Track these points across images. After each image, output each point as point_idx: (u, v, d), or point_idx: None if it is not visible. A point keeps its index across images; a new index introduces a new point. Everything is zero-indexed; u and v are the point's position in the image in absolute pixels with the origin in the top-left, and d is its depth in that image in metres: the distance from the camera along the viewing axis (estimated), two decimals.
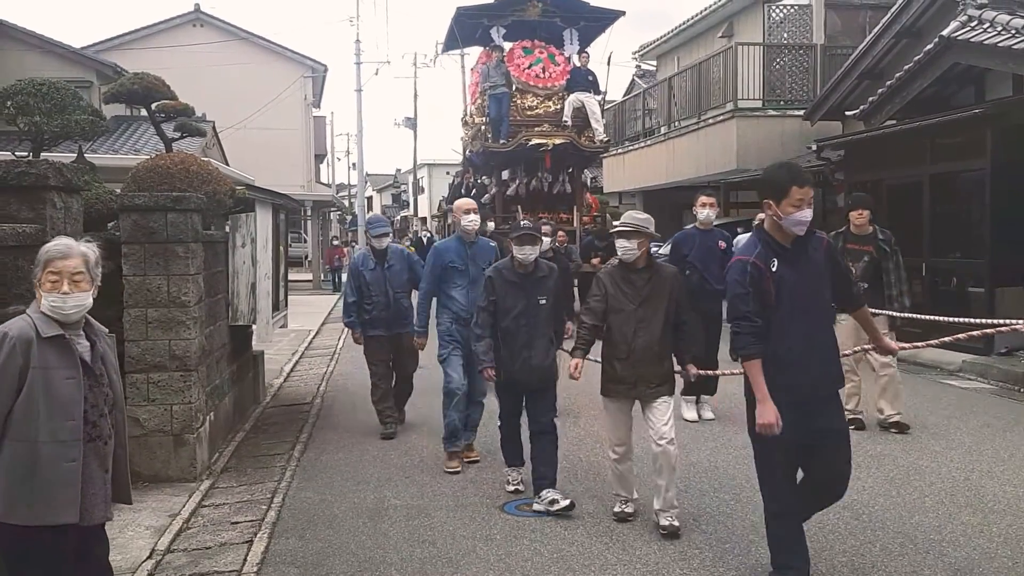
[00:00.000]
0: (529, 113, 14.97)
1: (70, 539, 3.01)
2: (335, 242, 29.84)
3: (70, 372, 2.95)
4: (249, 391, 8.14)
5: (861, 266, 6.63)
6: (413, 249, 17.83)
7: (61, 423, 2.92)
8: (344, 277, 21.17)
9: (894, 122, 11.87)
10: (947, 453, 6.18)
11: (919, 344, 5.71)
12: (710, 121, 16.39)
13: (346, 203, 47.13)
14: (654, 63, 24.46)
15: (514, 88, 14.83)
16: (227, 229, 7.15)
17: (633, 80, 27.21)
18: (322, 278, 26.25)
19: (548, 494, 5.06)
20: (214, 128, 19.55)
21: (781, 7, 16.99)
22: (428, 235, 28.14)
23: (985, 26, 9.89)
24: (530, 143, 14.64)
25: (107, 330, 3.29)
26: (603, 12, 15.58)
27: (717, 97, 16.47)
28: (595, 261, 12.20)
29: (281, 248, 8.56)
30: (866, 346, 6.17)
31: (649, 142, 19.77)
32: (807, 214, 3.66)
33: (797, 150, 14.49)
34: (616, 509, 4.93)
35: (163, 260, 5.68)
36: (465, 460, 6.08)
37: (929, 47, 10.64)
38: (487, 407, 6.33)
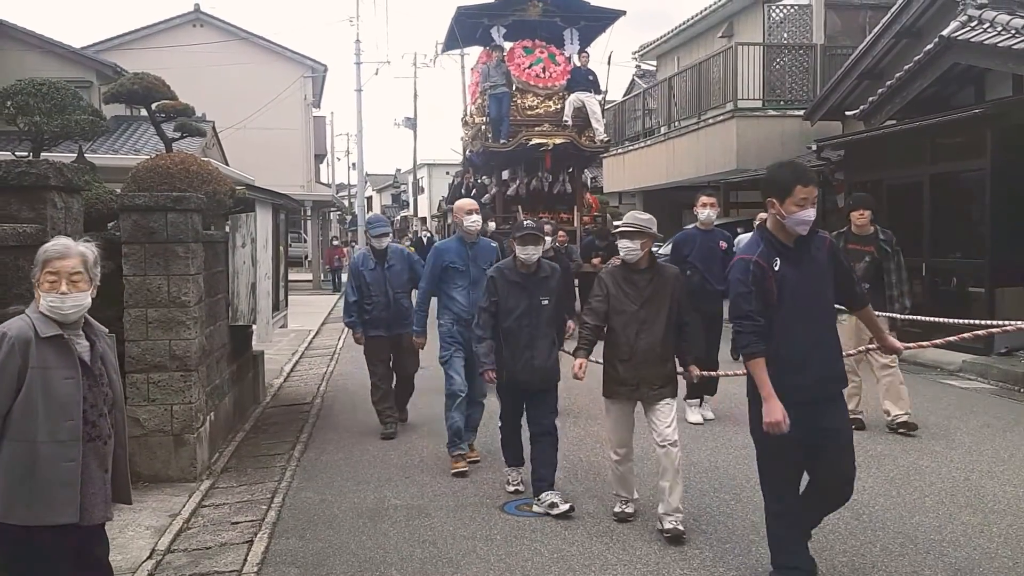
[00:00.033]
0: (529, 113, 14.95)
1: (70, 539, 3.01)
2: (335, 242, 29.85)
3: (69, 372, 2.95)
4: (249, 391, 8.14)
5: (862, 266, 6.61)
6: (413, 249, 17.81)
7: (60, 423, 2.92)
8: (344, 277, 21.21)
9: (894, 122, 11.87)
10: (947, 453, 6.18)
11: (924, 344, 5.69)
12: (710, 121, 16.39)
13: (346, 203, 47.14)
14: (654, 63, 24.47)
15: (514, 88, 14.81)
16: (227, 229, 7.15)
17: (633, 80, 27.21)
18: (322, 278, 26.26)
19: (547, 497, 5.05)
20: (214, 128, 19.56)
21: (781, 7, 17.00)
22: (428, 235, 28.15)
23: (985, 26, 9.89)
24: (530, 143, 14.63)
25: (107, 330, 3.29)
26: (603, 12, 15.57)
27: (717, 97, 16.47)
28: (595, 261, 12.19)
29: (281, 248, 8.57)
30: (869, 346, 6.19)
31: (649, 142, 19.77)
32: (810, 213, 3.64)
33: (797, 150, 14.49)
34: (616, 509, 4.92)
35: (163, 260, 5.68)
36: (466, 460, 6.07)
37: (929, 47, 10.64)
38: (487, 407, 6.34)
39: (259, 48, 27.84)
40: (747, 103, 15.60)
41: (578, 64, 15.07)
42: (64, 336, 2.97)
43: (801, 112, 14.85)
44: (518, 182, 15.77)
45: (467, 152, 17.63)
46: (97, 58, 20.24)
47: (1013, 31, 9.42)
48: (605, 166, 22.14)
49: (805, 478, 3.88)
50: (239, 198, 7.03)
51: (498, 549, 4.52)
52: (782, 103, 15.83)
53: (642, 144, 20.20)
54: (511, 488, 5.43)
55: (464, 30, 15.97)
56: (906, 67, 11.26)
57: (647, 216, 4.82)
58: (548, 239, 7.89)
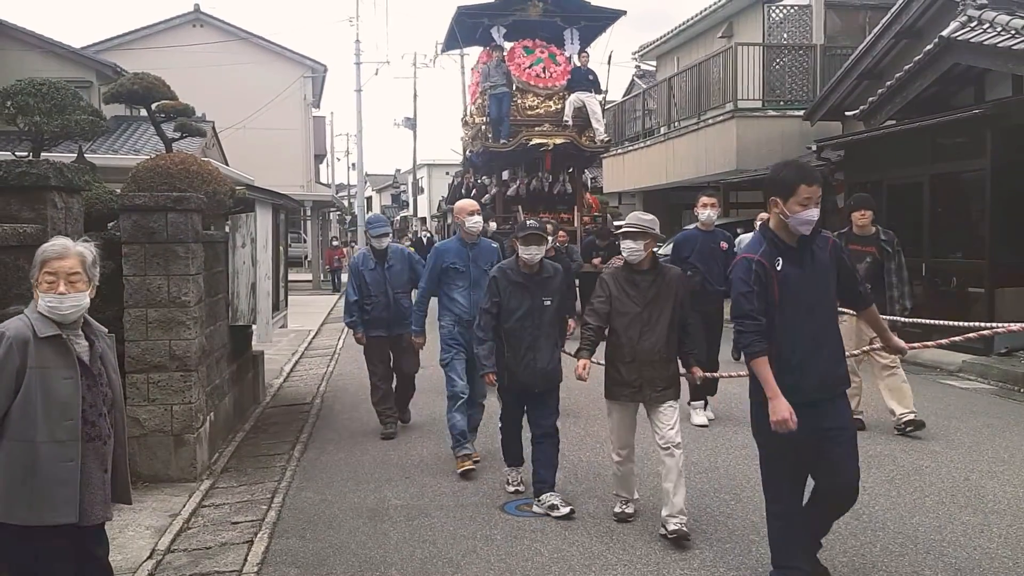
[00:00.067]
0: (530, 113, 14.95)
1: (70, 539, 3.01)
2: (335, 243, 29.84)
3: (68, 372, 2.95)
4: (249, 391, 8.15)
5: (863, 267, 6.58)
6: (413, 249, 17.82)
7: (59, 423, 2.92)
8: (343, 278, 21.20)
9: (894, 122, 11.87)
10: (947, 453, 6.18)
11: (929, 343, 5.69)
12: (710, 121, 16.40)
13: (346, 203, 47.14)
14: (654, 63, 24.47)
15: (515, 88, 14.81)
16: (227, 229, 7.15)
17: (633, 80, 27.22)
18: (321, 278, 26.26)
19: (548, 498, 5.04)
20: (214, 128, 19.56)
21: (781, 7, 17.00)
22: (428, 235, 28.13)
23: (985, 26, 9.90)
24: (531, 143, 14.63)
25: (106, 330, 3.29)
26: (604, 12, 15.57)
27: (717, 97, 16.47)
28: (596, 261, 12.19)
29: (281, 248, 8.57)
30: (871, 346, 6.18)
31: (649, 142, 19.78)
32: (814, 213, 3.61)
33: (797, 150, 14.49)
34: (616, 510, 4.92)
35: (163, 260, 5.67)
36: (472, 460, 6.03)
37: (929, 47, 10.65)
38: (487, 408, 6.34)
39: (259, 48, 27.85)
40: (747, 103, 15.61)
41: (578, 64, 15.08)
42: (63, 336, 2.97)
43: (801, 112, 14.85)
44: (518, 182, 15.78)
45: (467, 152, 17.63)
46: (97, 58, 20.24)
47: (1013, 31, 9.42)
48: (605, 166, 22.14)
49: (810, 484, 3.85)
50: (239, 198, 7.03)
51: (498, 549, 4.52)
52: (782, 103, 15.84)
53: (642, 144, 20.20)
54: (511, 488, 5.42)
55: (464, 30, 15.97)
56: (906, 67, 11.27)
57: (650, 217, 4.79)
58: (549, 239, 7.87)
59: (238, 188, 7.30)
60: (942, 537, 4.56)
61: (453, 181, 23.30)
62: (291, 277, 11.34)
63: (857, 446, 3.80)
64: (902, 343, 4.25)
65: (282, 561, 4.45)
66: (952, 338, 5.31)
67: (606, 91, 15.73)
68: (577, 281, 11.54)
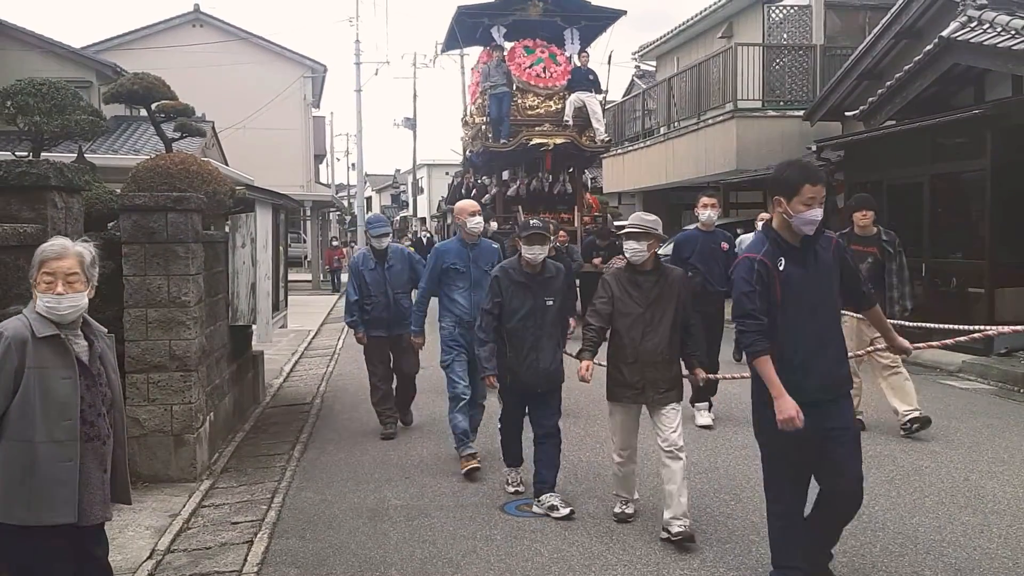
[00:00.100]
0: (530, 113, 14.95)
1: (69, 539, 3.01)
2: (334, 243, 29.82)
3: (66, 372, 2.95)
4: (249, 391, 8.14)
5: (865, 267, 6.54)
6: (413, 249, 17.82)
7: (57, 423, 2.92)
8: (343, 278, 21.18)
9: (894, 122, 11.87)
10: (947, 453, 6.18)
11: (934, 343, 5.67)
12: (709, 122, 16.39)
13: (345, 203, 47.13)
14: (654, 63, 24.47)
15: (515, 87, 14.81)
16: (227, 229, 7.15)
17: (633, 81, 27.22)
18: (321, 279, 26.26)
19: (548, 499, 5.04)
20: (213, 128, 19.56)
21: (781, 8, 17.00)
22: (428, 235, 28.13)
23: (985, 27, 9.90)
24: (531, 143, 14.62)
25: (106, 330, 3.29)
26: (604, 12, 15.57)
27: (717, 98, 16.47)
28: (596, 261, 12.19)
29: (281, 248, 8.56)
30: (873, 347, 6.17)
31: (649, 143, 19.77)
32: (818, 213, 3.60)
33: (797, 151, 14.48)
34: (616, 510, 4.92)
35: (163, 260, 5.67)
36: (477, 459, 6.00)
37: (929, 48, 10.65)
38: (487, 408, 6.34)
39: (259, 48, 27.85)
40: (747, 104, 15.60)
41: (578, 64, 15.08)
42: (61, 336, 2.97)
43: (801, 113, 14.85)
44: (518, 182, 15.77)
45: (467, 152, 17.63)
46: (97, 58, 20.24)
47: (1013, 32, 9.43)
48: (605, 167, 22.14)
49: (814, 490, 3.84)
50: (239, 198, 7.03)
51: (498, 549, 4.52)
52: (782, 104, 15.84)
53: (642, 145, 20.20)
54: (511, 489, 5.42)
55: (464, 30, 15.97)
56: (906, 67, 11.27)
57: (653, 217, 4.76)
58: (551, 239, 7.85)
59: (238, 188, 7.30)
60: (942, 537, 4.57)
61: (453, 181, 23.30)
62: (291, 277, 11.34)
63: (860, 447, 3.78)
64: (906, 343, 4.22)
65: (282, 561, 4.45)
66: (957, 339, 5.29)
67: (606, 91, 15.73)
68: (577, 281, 11.53)
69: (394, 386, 7.24)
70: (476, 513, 5.09)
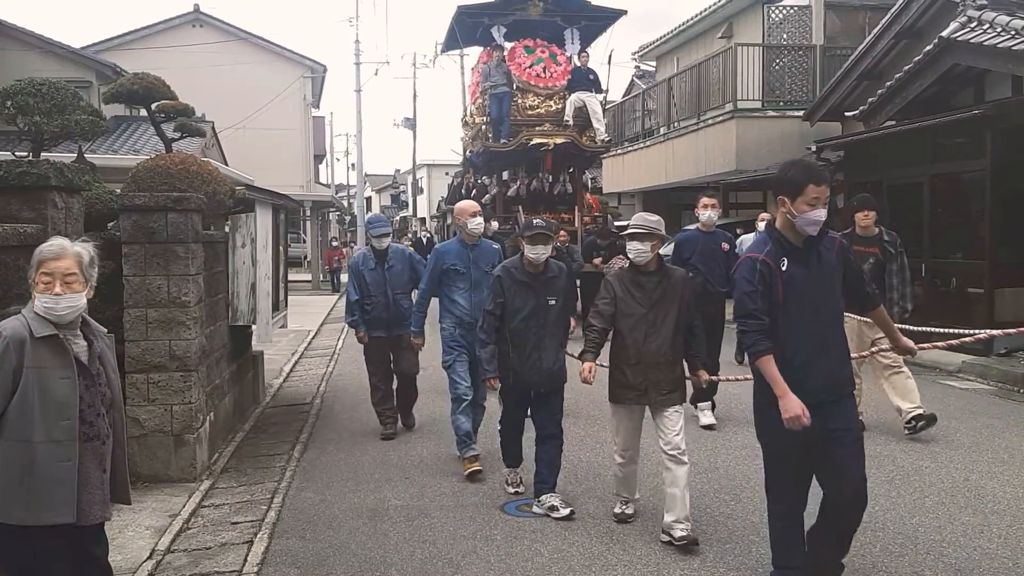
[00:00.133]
0: (530, 113, 14.95)
1: (68, 539, 3.01)
2: (334, 243, 29.82)
3: (65, 372, 2.95)
4: (249, 391, 8.14)
5: (866, 268, 6.53)
6: (413, 249, 17.83)
7: (56, 423, 2.92)
8: (343, 278, 21.17)
9: (893, 123, 11.88)
10: (947, 453, 6.18)
11: (939, 344, 5.65)
12: (709, 122, 16.40)
13: (345, 203, 47.13)
14: (653, 64, 24.48)
15: (515, 87, 14.81)
16: (227, 229, 7.15)
17: (632, 81, 27.22)
18: (321, 279, 26.26)
19: (548, 499, 5.03)
20: (213, 128, 19.56)
21: (780, 8, 17.01)
22: (427, 235, 28.13)
23: (985, 27, 9.90)
24: (531, 143, 14.61)
25: (106, 330, 3.29)
26: (604, 11, 15.57)
27: (716, 98, 16.48)
28: (597, 261, 12.18)
29: (281, 248, 8.56)
30: (874, 349, 6.16)
31: (648, 143, 19.78)
32: (821, 213, 3.58)
33: (797, 151, 14.49)
34: (616, 510, 4.91)
35: (163, 260, 5.67)
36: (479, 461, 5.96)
37: (929, 48, 10.65)
38: (487, 408, 6.34)
39: (259, 48, 27.85)
40: (746, 104, 15.61)
41: (578, 64, 15.08)
42: (59, 336, 2.97)
43: (801, 113, 14.86)
44: (519, 182, 15.76)
45: (467, 152, 17.63)
46: (97, 58, 20.24)
47: (1012, 32, 9.43)
48: (604, 167, 22.15)
49: (816, 495, 3.83)
50: (239, 198, 7.03)
51: (498, 549, 4.52)
52: (782, 104, 15.85)
53: (641, 145, 20.21)
54: (511, 489, 5.41)
55: (464, 30, 15.97)
56: (906, 68, 11.28)
57: (656, 217, 4.73)
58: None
59: (238, 188, 7.30)
60: (942, 537, 4.57)
61: (453, 181, 23.30)
62: (291, 277, 11.34)
63: (863, 448, 3.74)
64: (911, 343, 4.18)
65: (282, 561, 4.45)
66: (963, 339, 5.28)
67: (606, 91, 15.73)
68: (578, 281, 11.52)
69: (395, 387, 7.22)
70: (476, 513, 5.09)
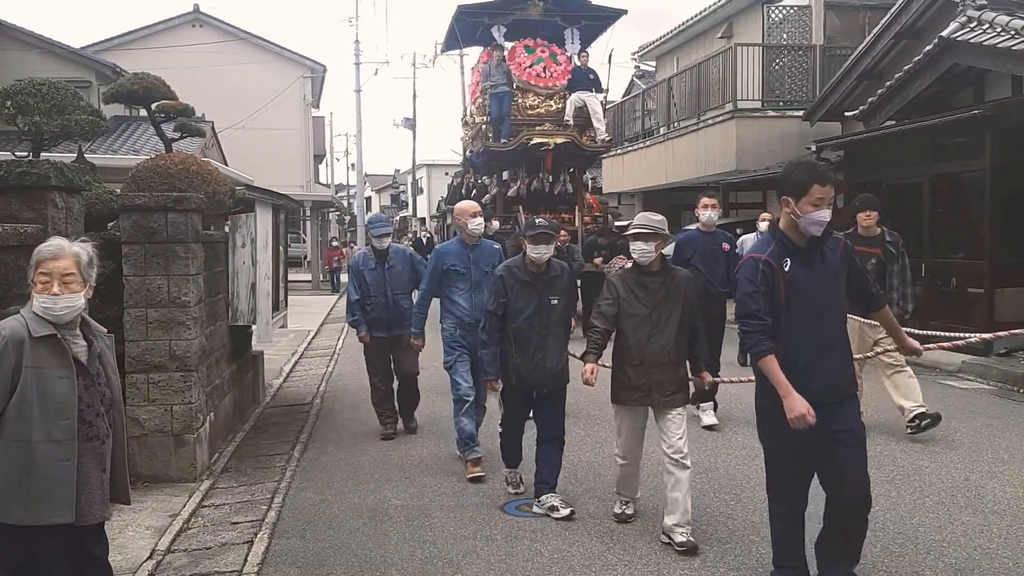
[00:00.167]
0: (530, 112, 14.94)
1: (67, 539, 3.01)
2: (334, 243, 29.82)
3: (63, 371, 2.95)
4: (249, 391, 8.14)
5: (868, 268, 6.53)
6: (413, 249, 17.83)
7: (55, 422, 2.92)
8: (343, 278, 21.17)
9: (893, 123, 11.88)
10: (947, 453, 6.18)
11: (945, 344, 5.65)
12: (709, 122, 16.40)
13: (345, 203, 47.13)
14: (653, 64, 24.48)
15: (515, 87, 14.80)
16: (227, 229, 7.15)
17: (632, 81, 27.22)
18: (321, 279, 26.26)
19: (548, 499, 5.03)
20: (213, 128, 19.56)
21: (780, 8, 17.01)
22: (427, 235, 28.14)
23: (984, 27, 9.91)
24: (531, 142, 14.61)
25: (106, 330, 3.29)
26: (604, 11, 15.56)
27: (716, 98, 16.48)
28: (597, 261, 12.18)
29: (281, 248, 8.56)
30: (875, 351, 6.14)
31: (648, 143, 19.78)
32: (826, 214, 3.56)
33: (796, 151, 14.49)
34: (616, 510, 4.91)
35: (163, 260, 5.67)
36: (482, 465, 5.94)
37: (928, 48, 10.66)
38: (487, 408, 6.33)
39: (258, 48, 27.84)
40: (746, 104, 15.62)
41: (578, 64, 15.08)
42: (58, 336, 2.96)
43: (800, 113, 14.86)
44: (519, 182, 15.76)
45: (467, 152, 17.62)
46: (96, 58, 20.24)
47: (1012, 32, 9.43)
48: (604, 167, 22.15)
49: (819, 494, 3.81)
50: (239, 198, 7.03)
51: (498, 549, 4.52)
52: (781, 104, 15.85)
53: (641, 145, 20.21)
54: (511, 489, 5.41)
55: (464, 29, 15.96)
56: (906, 68, 11.28)
57: (660, 217, 4.69)
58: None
59: (238, 188, 7.30)
60: (942, 537, 4.57)
61: (453, 181, 23.29)
62: (291, 277, 11.34)
63: (866, 450, 3.71)
64: (916, 344, 4.16)
65: (282, 561, 4.45)
66: (969, 340, 5.27)
67: (607, 91, 15.72)
68: (578, 281, 11.53)
69: (395, 388, 7.20)
70: (476, 513, 5.09)
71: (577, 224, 15.04)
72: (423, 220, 42.61)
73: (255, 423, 7.63)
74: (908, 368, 6.66)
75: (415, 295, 6.67)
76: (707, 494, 5.33)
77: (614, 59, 19.73)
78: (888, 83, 11.84)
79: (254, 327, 7.50)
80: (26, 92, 7.44)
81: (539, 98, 14.98)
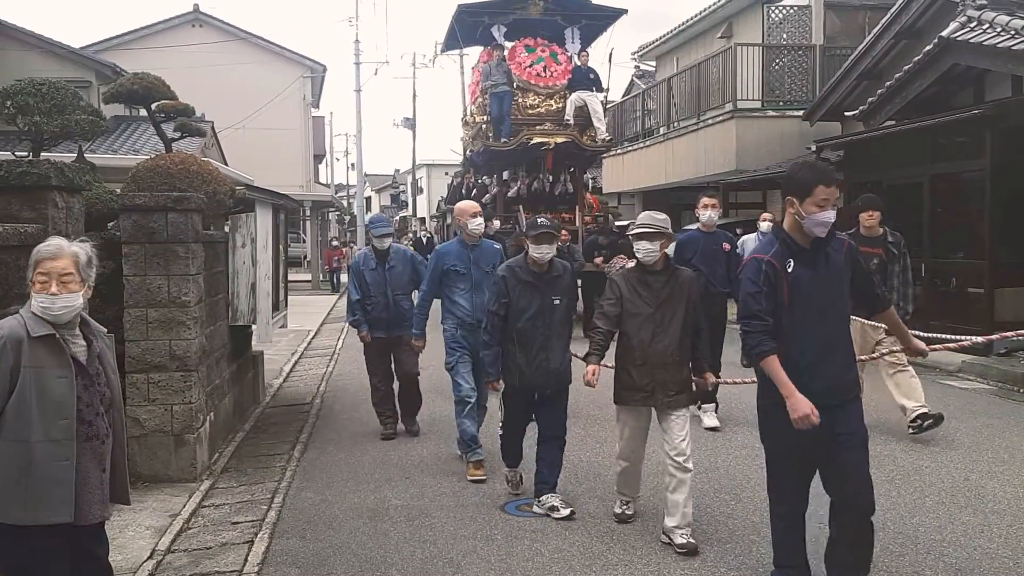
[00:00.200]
0: (531, 112, 14.94)
1: (67, 538, 3.01)
2: (334, 243, 29.82)
3: (62, 371, 2.95)
4: (249, 391, 8.14)
5: (871, 269, 6.50)
6: (413, 249, 17.83)
7: (54, 422, 2.92)
8: (343, 278, 21.17)
9: (893, 123, 11.88)
10: (947, 453, 6.18)
11: (951, 345, 5.63)
12: (709, 122, 16.41)
13: (345, 203, 47.14)
14: (653, 64, 24.49)
15: (515, 86, 14.80)
16: (227, 229, 7.15)
17: (632, 81, 27.23)
18: (321, 279, 26.26)
19: (548, 499, 5.02)
20: (213, 128, 19.55)
21: (780, 8, 17.02)
22: (427, 235, 28.15)
23: (984, 27, 9.91)
24: (532, 142, 14.59)
25: (106, 330, 3.28)
26: (604, 11, 15.56)
27: (716, 98, 16.49)
28: (598, 260, 12.18)
29: (281, 248, 8.56)
30: (883, 351, 6.13)
31: (648, 143, 19.79)
32: (830, 215, 3.55)
33: (796, 151, 14.51)
34: (617, 510, 4.91)
35: (163, 260, 5.67)
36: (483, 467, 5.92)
37: (928, 48, 10.66)
38: (487, 409, 6.33)
39: (258, 48, 27.84)
40: (746, 104, 15.62)
41: (579, 63, 15.07)
42: (56, 335, 2.96)
43: (800, 113, 14.86)
44: (519, 182, 15.75)
45: (467, 152, 17.61)
46: (96, 58, 20.24)
47: (1012, 32, 9.43)
48: (604, 167, 22.16)
49: (819, 494, 3.80)
50: (239, 198, 7.03)
51: (499, 549, 4.52)
52: (781, 104, 15.86)
53: (641, 145, 20.22)
54: (511, 489, 5.41)
55: (464, 29, 15.96)
56: (906, 68, 11.28)
57: (663, 216, 4.67)
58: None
59: (238, 188, 7.30)
60: (942, 537, 4.57)
61: (453, 181, 23.30)
62: (291, 277, 11.34)
63: (868, 453, 3.69)
64: (922, 344, 4.13)
65: (282, 561, 4.45)
66: (975, 341, 5.27)
67: (607, 90, 15.72)
68: (579, 281, 11.52)
69: (396, 389, 7.19)
70: (476, 513, 5.09)
71: (577, 224, 15.03)
72: (423, 220, 42.60)
73: (255, 423, 7.63)
74: (910, 368, 6.64)
75: (415, 295, 6.67)
76: (707, 494, 5.33)
77: (614, 59, 19.70)
78: (888, 83, 11.84)
79: (254, 327, 7.50)
80: (26, 92, 7.44)
81: (539, 97, 14.97)
